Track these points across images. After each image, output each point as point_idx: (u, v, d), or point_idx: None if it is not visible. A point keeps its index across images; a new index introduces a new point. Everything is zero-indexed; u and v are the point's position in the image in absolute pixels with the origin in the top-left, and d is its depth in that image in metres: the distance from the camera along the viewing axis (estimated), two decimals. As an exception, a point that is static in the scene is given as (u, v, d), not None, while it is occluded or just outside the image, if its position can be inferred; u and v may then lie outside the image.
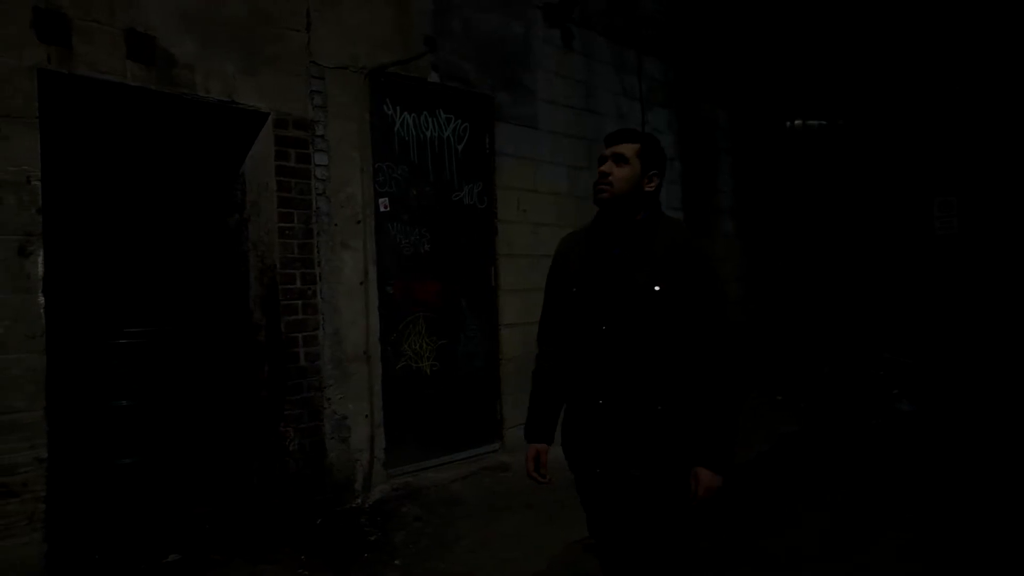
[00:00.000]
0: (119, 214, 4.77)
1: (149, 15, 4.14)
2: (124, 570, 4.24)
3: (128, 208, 4.79)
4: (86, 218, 4.61)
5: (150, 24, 4.15)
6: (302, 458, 4.77)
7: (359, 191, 5.14)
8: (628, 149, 2.67)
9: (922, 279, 9.77)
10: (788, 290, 10.19)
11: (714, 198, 9.17)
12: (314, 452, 4.83)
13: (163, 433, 4.83)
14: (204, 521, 4.84)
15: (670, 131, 8.27)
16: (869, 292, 10.09)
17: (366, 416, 5.12)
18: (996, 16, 8.96)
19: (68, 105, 4.13)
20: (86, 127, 4.49)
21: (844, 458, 6.62)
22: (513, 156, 6.28)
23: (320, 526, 4.72)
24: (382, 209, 5.35)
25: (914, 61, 9.56)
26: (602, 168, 2.68)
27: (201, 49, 4.36)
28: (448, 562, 4.45)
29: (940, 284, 9.61)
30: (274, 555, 4.44)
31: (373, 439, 5.17)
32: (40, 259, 3.68)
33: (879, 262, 10.12)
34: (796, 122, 10.74)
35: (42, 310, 3.69)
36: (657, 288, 2.56)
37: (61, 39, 3.80)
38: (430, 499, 5.21)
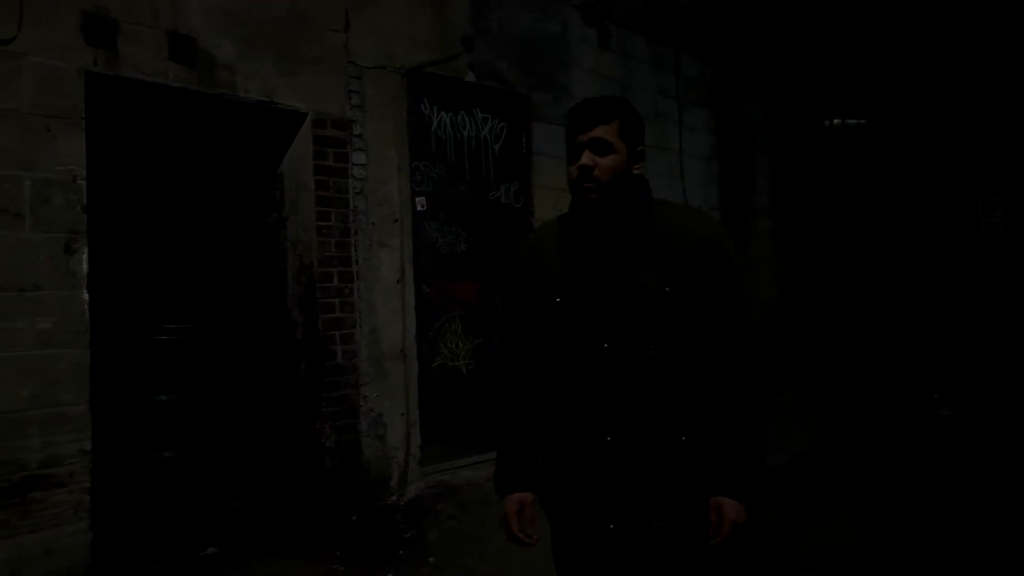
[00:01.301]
0: (161, 213, 4.85)
1: (190, 17, 4.21)
2: (163, 561, 4.31)
3: (169, 207, 4.87)
4: (129, 216, 4.70)
5: (191, 26, 4.21)
6: (338, 455, 4.82)
7: (396, 190, 5.18)
8: (608, 131, 2.11)
9: (964, 281, 9.61)
10: (826, 291, 10.08)
11: (751, 198, 9.08)
12: (350, 449, 4.88)
13: (201, 428, 4.90)
14: (241, 515, 4.91)
15: (708, 130, 8.22)
16: (909, 294, 9.95)
17: (402, 414, 5.16)
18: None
19: (113, 106, 4.21)
20: (130, 127, 4.58)
21: (882, 463, 6.53)
22: (550, 155, 6.26)
23: (355, 522, 4.76)
24: (419, 208, 5.38)
25: (957, 58, 9.40)
26: (581, 162, 2.11)
27: (241, 50, 4.42)
28: (480, 560, 4.47)
29: (983, 286, 9.44)
30: (309, 550, 4.49)
31: (409, 437, 5.20)
32: (85, 256, 3.76)
33: (920, 263, 9.97)
34: (835, 121, 10.62)
35: (86, 306, 3.77)
36: (669, 290, 2.08)
37: (107, 42, 3.88)
38: (464, 497, 5.23)
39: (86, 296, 3.76)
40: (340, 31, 4.90)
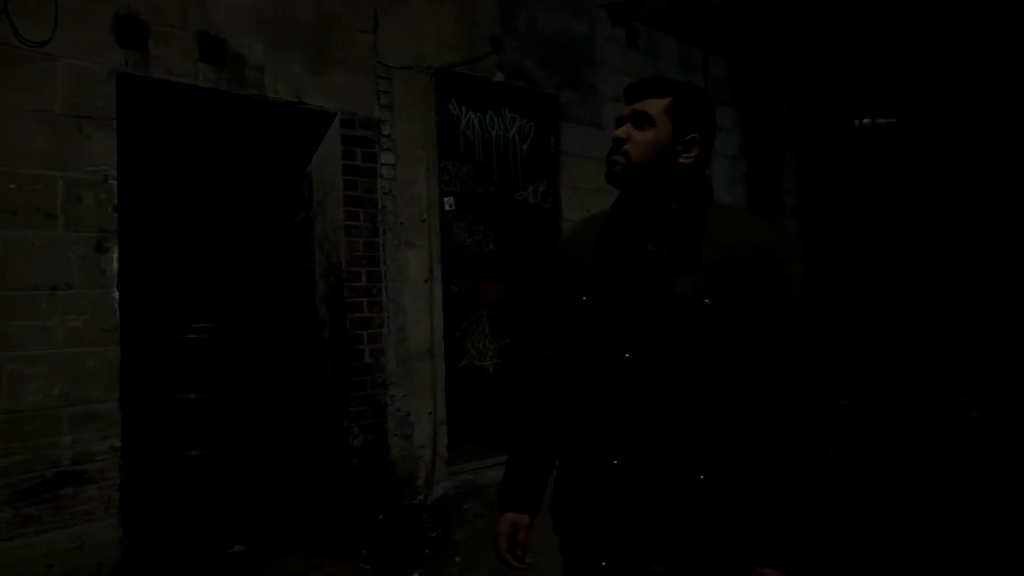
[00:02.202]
0: (190, 212, 4.89)
1: (219, 18, 4.24)
2: (191, 558, 4.35)
3: (199, 206, 4.91)
4: (159, 216, 4.74)
5: (221, 27, 4.24)
6: (365, 454, 4.83)
7: (424, 190, 5.18)
8: (654, 105, 1.87)
9: (996, 282, 9.48)
10: (854, 291, 9.99)
11: (779, 197, 9.02)
12: (377, 448, 4.89)
13: (229, 426, 4.94)
14: (267, 513, 4.94)
15: (736, 130, 8.17)
16: (939, 295, 9.83)
17: (429, 413, 5.16)
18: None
19: (143, 107, 4.24)
20: (160, 128, 4.61)
21: (911, 466, 6.46)
22: (578, 155, 6.26)
23: (382, 521, 4.77)
24: (447, 208, 5.38)
25: (987, 57, 9.28)
26: (616, 133, 1.91)
27: (270, 51, 4.44)
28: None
29: (1013, 287, 9.31)
30: (336, 548, 4.51)
31: (436, 436, 5.20)
32: (115, 255, 3.80)
33: (950, 264, 9.85)
34: (864, 120, 10.51)
35: (117, 305, 3.80)
36: (708, 301, 1.79)
37: (138, 43, 3.91)
38: (491, 497, 5.19)
39: (116, 295, 3.80)
40: (368, 32, 4.91)
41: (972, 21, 9.05)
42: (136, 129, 4.23)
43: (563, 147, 6.15)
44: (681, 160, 1.88)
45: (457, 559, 4.48)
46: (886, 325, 9.89)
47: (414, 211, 5.12)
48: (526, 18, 5.93)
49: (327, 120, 4.79)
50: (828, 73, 9.63)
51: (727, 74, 8.13)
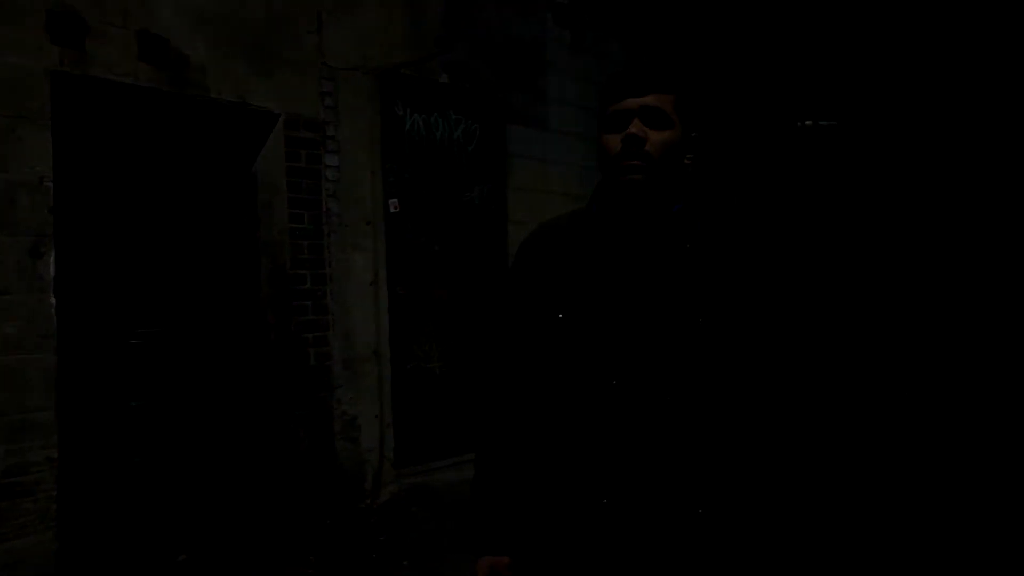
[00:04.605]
0: (132, 215, 4.78)
1: (162, 17, 4.16)
2: (134, 569, 4.26)
3: (141, 209, 4.80)
4: (99, 219, 4.63)
5: (163, 26, 4.16)
6: (312, 459, 4.78)
7: (369, 192, 5.15)
8: (666, 102, 1.64)
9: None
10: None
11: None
12: (324, 453, 4.84)
13: (173, 434, 4.84)
14: (213, 521, 4.86)
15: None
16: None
17: (376, 416, 5.13)
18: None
19: (81, 107, 4.14)
20: (99, 128, 4.51)
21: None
22: (524, 157, 6.27)
23: (330, 526, 4.73)
24: (392, 210, 5.36)
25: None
26: (629, 131, 1.62)
27: (213, 51, 4.37)
28: (457, 564, 4.45)
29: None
30: (283, 555, 4.46)
31: (383, 439, 5.18)
32: (52, 260, 3.71)
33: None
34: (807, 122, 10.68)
35: (53, 310, 3.71)
36: (700, 321, 1.63)
37: (74, 41, 3.81)
38: (440, 500, 5.21)
39: (54, 300, 3.71)
40: (314, 32, 4.86)
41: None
42: (74, 130, 4.12)
43: (510, 149, 6.16)
44: (685, 162, 1.71)
45: (405, 563, 4.46)
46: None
47: (359, 213, 5.09)
48: (473, 20, 5.92)
49: (271, 121, 4.73)
50: (773, 76, 9.77)
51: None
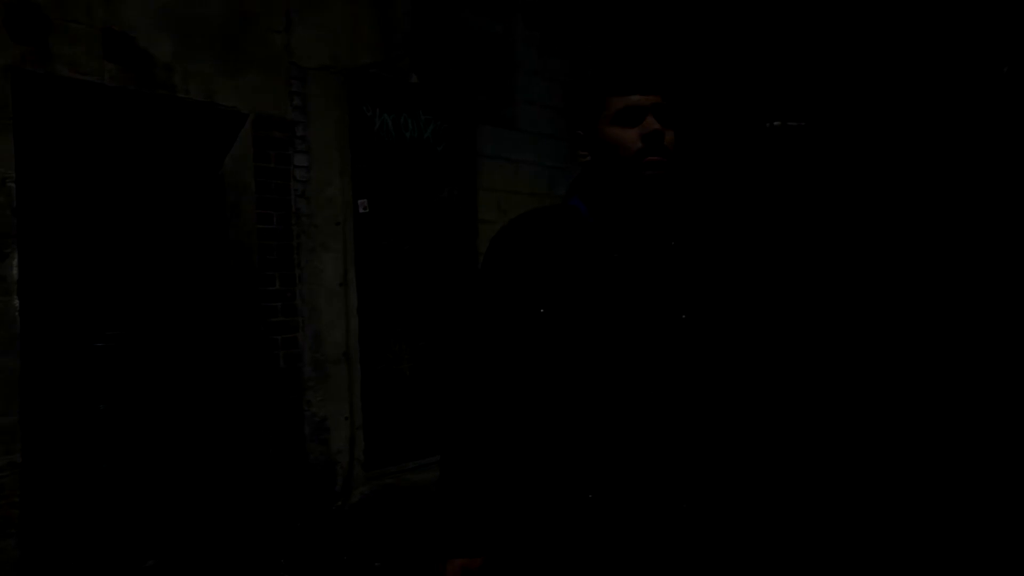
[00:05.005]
0: (98, 216, 4.72)
1: (127, 15, 4.10)
2: (100, 574, 4.20)
3: (107, 210, 4.74)
4: (64, 220, 4.56)
5: (128, 24, 4.10)
6: (282, 461, 4.75)
7: (339, 192, 5.12)
8: (669, 100, 1.68)
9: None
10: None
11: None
12: (294, 455, 4.81)
13: (141, 437, 4.79)
14: (183, 525, 4.81)
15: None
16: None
17: (346, 418, 5.11)
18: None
19: (44, 106, 4.08)
20: (63, 128, 4.44)
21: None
22: (494, 157, 6.27)
23: (300, 529, 4.70)
24: (361, 210, 5.33)
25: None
26: (652, 127, 1.64)
27: (180, 49, 4.32)
28: (428, 565, 4.44)
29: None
30: (253, 558, 4.42)
31: (353, 441, 5.15)
32: (15, 261, 3.65)
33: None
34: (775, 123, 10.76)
35: (17, 313, 3.65)
36: (684, 317, 1.66)
37: (36, 39, 3.75)
38: (411, 501, 5.20)
39: (17, 303, 3.64)
40: (282, 31, 4.82)
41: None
42: (38, 129, 4.06)
43: (480, 149, 6.15)
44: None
45: (377, 564, 4.44)
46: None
47: (328, 214, 5.06)
48: (443, 19, 5.90)
49: (240, 121, 4.69)
50: (743, 77, 9.84)
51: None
